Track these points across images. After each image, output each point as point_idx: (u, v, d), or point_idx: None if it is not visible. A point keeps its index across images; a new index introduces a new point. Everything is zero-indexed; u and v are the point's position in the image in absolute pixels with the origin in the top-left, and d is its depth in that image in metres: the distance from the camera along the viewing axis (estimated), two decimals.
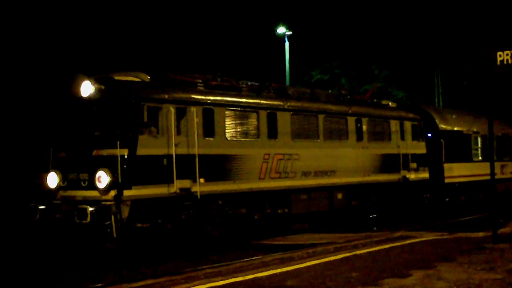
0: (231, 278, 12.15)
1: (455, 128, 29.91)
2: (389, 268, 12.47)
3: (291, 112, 21.67)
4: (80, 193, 17.31)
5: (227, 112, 19.57)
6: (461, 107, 40.87)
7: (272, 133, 20.94)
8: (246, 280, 11.90)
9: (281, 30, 43.70)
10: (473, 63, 16.43)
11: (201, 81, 19.84)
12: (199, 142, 18.48)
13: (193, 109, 18.51)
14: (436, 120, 28.95)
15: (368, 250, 15.59)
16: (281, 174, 21.06)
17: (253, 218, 20.30)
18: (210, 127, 19.03)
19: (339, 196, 23.25)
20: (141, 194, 17.06)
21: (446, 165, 28.54)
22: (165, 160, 17.64)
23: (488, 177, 30.64)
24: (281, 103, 21.45)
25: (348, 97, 24.97)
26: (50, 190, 17.85)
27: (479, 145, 31.45)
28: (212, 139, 19.01)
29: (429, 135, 28.56)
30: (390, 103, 27.43)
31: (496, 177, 31.83)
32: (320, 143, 22.61)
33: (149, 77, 18.67)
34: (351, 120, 24.04)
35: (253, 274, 12.44)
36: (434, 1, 54.07)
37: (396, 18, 54.08)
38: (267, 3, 54.45)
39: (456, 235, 18.66)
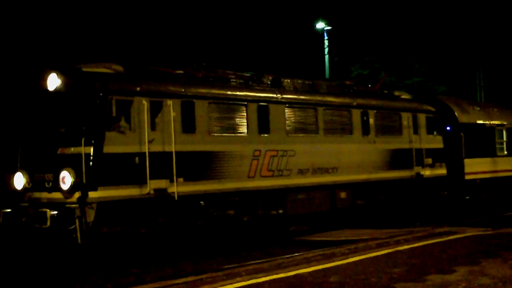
0: (273, 274, 11.73)
1: (477, 121, 26.68)
2: (432, 264, 11.99)
3: (286, 105, 19.07)
4: (45, 195, 15.35)
5: (210, 105, 17.20)
6: (504, 101, 38.01)
7: (264, 128, 18.42)
8: (288, 276, 11.47)
9: (320, 25, 42.11)
10: None
11: (182, 72, 17.53)
12: (177, 138, 16.28)
13: (170, 102, 16.24)
14: (456, 113, 25.79)
15: (410, 246, 14.96)
16: (274, 172, 18.53)
17: (241, 220, 17.87)
18: (190, 122, 16.73)
19: (343, 195, 20.51)
20: (108, 196, 14.94)
21: (466, 161, 25.36)
22: (137, 158, 15.48)
23: None
24: (274, 95, 18.89)
25: (355, 87, 22.18)
26: (17, 191, 15.84)
27: (504, 139, 28.15)
28: (192, 135, 16.71)
29: (448, 128, 25.53)
30: (403, 95, 24.41)
31: None
32: (319, 138, 19.93)
33: (123, 68, 16.41)
34: (356, 113, 21.24)
35: (295, 270, 12.02)
36: None
37: (437, 11, 51.96)
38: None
39: (500, 230, 17.58)
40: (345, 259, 13.23)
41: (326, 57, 43.46)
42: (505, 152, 28.02)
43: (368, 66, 52.07)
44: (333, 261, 12.96)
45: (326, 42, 42.87)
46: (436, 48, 51.13)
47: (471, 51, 52.19)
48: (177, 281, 11.97)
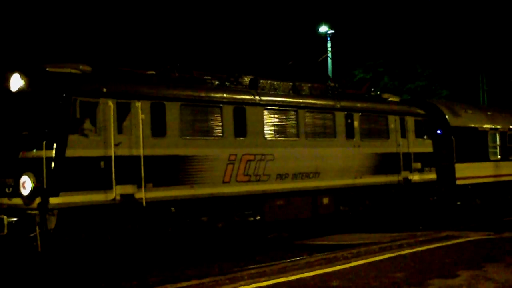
0: (275, 278, 11.55)
1: (469, 125, 25.37)
2: (435, 269, 11.80)
3: (265, 107, 17.99)
4: (6, 201, 14.32)
5: (182, 107, 16.16)
6: (507, 105, 36.88)
7: (240, 131, 17.36)
8: (290, 280, 11.30)
9: (323, 29, 40.97)
10: None
11: (154, 73, 16.53)
12: (146, 141, 15.25)
13: (138, 104, 15.25)
14: (447, 116, 24.49)
15: (413, 250, 14.69)
16: (251, 177, 17.44)
17: (216, 227, 16.82)
18: (160, 125, 15.69)
19: (325, 200, 19.35)
20: (71, 202, 13.89)
21: (458, 165, 24.09)
22: (102, 162, 14.46)
23: (509, 178, 27.03)
24: (251, 96, 17.81)
25: (340, 90, 21.01)
26: None
27: (498, 143, 26.85)
28: (163, 138, 15.68)
29: (439, 132, 24.31)
30: (391, 97, 23.17)
31: None
32: (300, 142, 18.80)
33: (91, 69, 15.42)
34: (340, 116, 20.08)
35: (297, 274, 11.84)
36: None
37: (441, 16, 51.62)
38: (309, 3, 52.41)
39: (503, 235, 17.25)
40: (347, 263, 13.01)
41: (329, 61, 42.16)
42: (499, 157, 26.71)
43: (371, 70, 51.38)
44: (336, 265, 12.72)
45: (329, 46, 41.50)
46: (440, 52, 50.41)
47: (474, 55, 51.45)
48: (179, 285, 11.85)
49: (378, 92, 24.48)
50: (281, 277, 11.62)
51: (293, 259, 14.56)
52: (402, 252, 14.31)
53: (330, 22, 42.14)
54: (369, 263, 12.92)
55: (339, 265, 12.82)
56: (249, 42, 46.99)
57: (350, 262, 13.16)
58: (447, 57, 50.56)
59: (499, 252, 13.69)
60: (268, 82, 18.65)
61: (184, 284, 11.84)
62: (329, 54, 42.24)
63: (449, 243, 15.74)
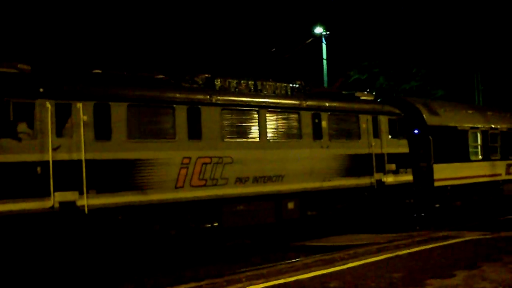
0: (273, 280, 11.27)
1: (448, 124, 23.65)
2: (432, 269, 11.56)
3: (222, 107, 16.60)
4: None
5: (130, 108, 14.80)
6: (502, 105, 35.47)
7: (195, 133, 15.95)
8: (288, 282, 11.05)
9: (318, 30, 40.24)
10: None
11: (100, 72, 15.18)
12: (88, 145, 13.99)
13: (80, 105, 13.95)
14: (424, 115, 22.81)
15: (410, 250, 14.31)
16: (207, 181, 16.03)
17: (169, 234, 15.43)
18: (105, 127, 14.39)
19: (290, 205, 17.83)
20: (3, 211, 12.62)
21: (436, 166, 22.42)
22: (39, 168, 13.20)
23: (490, 179, 25.49)
24: (207, 96, 16.39)
25: (307, 88, 19.47)
26: None
27: (479, 143, 25.14)
28: (108, 141, 14.36)
29: (416, 131, 22.71)
30: (365, 96, 21.59)
31: (501, 178, 26.46)
32: (262, 143, 17.32)
33: (30, 68, 14.11)
34: (306, 115, 18.55)
35: (295, 276, 11.53)
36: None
37: (436, 16, 52.23)
38: (304, 4, 51.48)
39: (500, 234, 16.79)
40: (345, 264, 12.70)
41: (324, 61, 41.07)
42: (480, 157, 25.02)
43: (367, 70, 50.54)
44: (333, 267, 12.44)
45: (325, 47, 40.90)
46: (435, 52, 49.46)
47: (469, 54, 50.56)
48: None
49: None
50: (279, 279, 11.33)
51: (290, 261, 14.22)
52: (399, 253, 13.93)
53: (325, 23, 41.53)
54: (367, 263, 12.63)
55: (337, 266, 12.50)
56: (244, 44, 46.33)
57: (348, 263, 12.85)
58: (442, 57, 49.65)
59: (496, 251, 13.40)
60: (226, 81, 17.19)
61: (182, 286, 11.66)
62: (324, 55, 41.37)
63: (445, 243, 15.32)
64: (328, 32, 40.39)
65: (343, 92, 21.15)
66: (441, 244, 15.15)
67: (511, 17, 50.63)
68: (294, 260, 14.36)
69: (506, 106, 35.06)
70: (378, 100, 22.50)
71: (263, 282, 11.15)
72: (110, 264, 14.41)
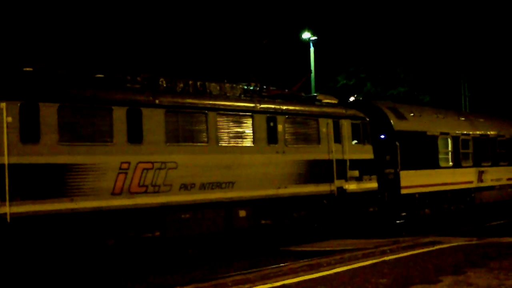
0: (259, 285, 11.08)
1: (416, 129, 22.21)
2: (418, 274, 11.32)
3: (166, 109, 15.20)
4: None
5: (62, 109, 13.46)
6: (489, 111, 34.34)
7: (135, 136, 14.56)
8: (274, 287, 10.87)
9: (306, 35, 38.97)
10: None
11: (31, 69, 13.84)
12: (13, 148, 12.68)
13: (3, 105, 12.73)
14: (391, 120, 21.35)
15: (396, 256, 14.08)
16: (148, 188, 14.65)
17: (106, 244, 14.09)
18: (33, 129, 13.05)
19: (242, 213, 16.39)
20: None
21: (403, 173, 20.96)
22: None
23: (461, 186, 24.12)
24: (149, 97, 15.01)
25: (264, 89, 18.09)
26: None
27: (450, 149, 23.71)
28: (35, 144, 13.02)
29: (383, 136, 21.32)
30: (328, 99, 20.08)
31: (473, 185, 25.09)
32: (211, 148, 15.93)
33: None
34: (260, 119, 17.12)
35: (282, 281, 11.30)
36: (460, 7, 49.42)
37: (422, 22, 50.34)
38: (292, 9, 50.58)
39: (485, 240, 16.61)
40: (331, 269, 12.46)
41: (312, 66, 39.88)
42: (450, 163, 23.57)
43: (354, 76, 49.73)
44: (320, 272, 12.18)
45: (312, 52, 39.24)
46: (422, 58, 48.95)
47: (456, 61, 50.08)
48: None
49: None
50: (265, 284, 11.10)
51: (277, 266, 13.75)
52: (386, 258, 13.68)
53: (313, 28, 40.36)
54: (353, 269, 12.39)
55: (323, 271, 12.25)
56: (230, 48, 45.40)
57: (334, 268, 12.59)
58: (429, 63, 49.05)
59: (481, 257, 13.16)
60: (172, 81, 15.84)
61: None
62: (312, 60, 40.34)
63: (431, 248, 15.10)
64: (316, 37, 39.23)
65: (302, 94, 19.58)
66: (427, 250, 14.89)
67: (498, 25, 49.64)
68: (281, 265, 13.84)
69: (493, 112, 34.08)
70: (351, 102, 21.23)
71: (249, 287, 10.97)
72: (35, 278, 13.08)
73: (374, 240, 17.79)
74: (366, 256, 14.17)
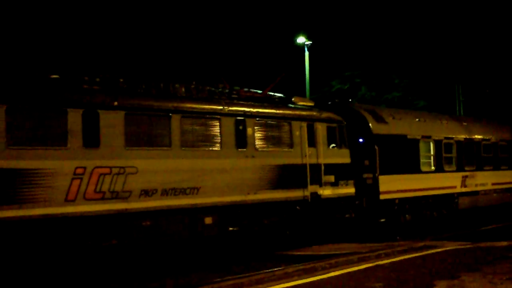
0: None
1: (396, 132, 21.20)
2: (412, 279, 11.25)
3: (126, 112, 14.30)
4: None
5: (10, 111, 12.59)
6: (484, 115, 33.57)
7: (92, 140, 13.67)
8: None
9: (301, 40, 38.51)
10: None
11: None
12: None
13: None
14: (370, 123, 20.36)
15: (391, 260, 13.91)
16: (106, 194, 13.72)
17: (59, 254, 13.20)
18: None
19: (207, 220, 15.47)
20: None
21: (382, 178, 19.95)
22: None
23: (444, 191, 23.17)
24: (107, 99, 14.14)
25: (234, 91, 17.16)
26: None
27: (432, 153, 22.77)
28: None
29: (361, 140, 20.37)
30: (303, 101, 19.06)
31: (456, 190, 24.14)
32: (174, 152, 15.00)
33: None
34: (228, 122, 16.24)
35: (276, 285, 11.24)
36: (455, 12, 48.63)
37: (417, 27, 52.53)
38: (287, 13, 50.23)
39: (479, 244, 16.40)
40: (326, 273, 12.32)
41: (307, 71, 38.90)
42: (433, 168, 22.57)
43: (349, 80, 49.30)
44: (314, 276, 12.06)
45: (307, 57, 38.90)
46: (417, 63, 48.85)
47: (450, 66, 50.02)
48: None
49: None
50: None
51: (271, 270, 13.49)
52: (380, 262, 13.49)
53: (307, 32, 40.55)
54: (348, 273, 12.23)
55: (318, 275, 12.11)
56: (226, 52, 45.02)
57: (329, 272, 12.43)
58: (424, 68, 48.87)
59: (476, 261, 13.05)
60: (132, 82, 14.95)
61: None
62: (307, 65, 39.74)
63: (426, 253, 14.96)
64: (310, 42, 38.71)
65: (276, 96, 18.57)
66: (422, 254, 14.74)
67: (492, 31, 49.19)
68: (275, 269, 13.60)
69: (487, 116, 33.39)
70: (329, 105, 20.32)
71: None
72: None
73: (369, 244, 17.68)
74: (361, 260, 14.11)
